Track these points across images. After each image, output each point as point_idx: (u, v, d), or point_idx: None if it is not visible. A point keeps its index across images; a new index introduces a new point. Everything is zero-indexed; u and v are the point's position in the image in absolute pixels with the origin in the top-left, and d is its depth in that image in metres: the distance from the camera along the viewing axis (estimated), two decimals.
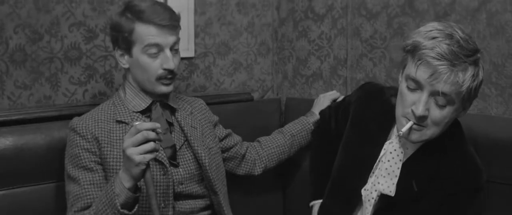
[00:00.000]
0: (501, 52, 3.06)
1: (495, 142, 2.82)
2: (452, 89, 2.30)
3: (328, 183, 2.82)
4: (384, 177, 2.55)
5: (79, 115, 2.90)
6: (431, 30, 2.34)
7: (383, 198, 2.56)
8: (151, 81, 2.81)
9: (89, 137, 2.76)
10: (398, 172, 2.53)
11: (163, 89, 2.84)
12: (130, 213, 2.54)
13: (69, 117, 2.94)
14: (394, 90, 2.57)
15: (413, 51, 2.35)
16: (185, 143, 2.91)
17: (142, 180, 2.54)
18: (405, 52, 2.41)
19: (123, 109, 2.86)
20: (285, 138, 3.25)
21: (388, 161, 2.55)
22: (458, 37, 2.30)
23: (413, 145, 2.52)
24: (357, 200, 2.66)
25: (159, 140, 2.51)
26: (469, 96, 2.38)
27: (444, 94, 2.31)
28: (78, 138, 2.76)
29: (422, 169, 2.50)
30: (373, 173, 2.60)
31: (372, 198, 2.58)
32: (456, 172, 2.47)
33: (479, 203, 2.51)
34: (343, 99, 2.99)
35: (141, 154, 2.46)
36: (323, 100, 3.31)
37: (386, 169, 2.55)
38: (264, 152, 3.22)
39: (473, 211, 2.49)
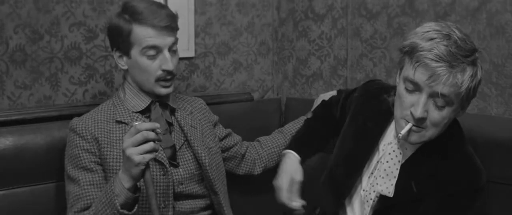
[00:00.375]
0: (501, 52, 3.06)
1: (495, 142, 2.81)
2: (451, 90, 2.29)
3: (325, 170, 2.81)
4: (382, 178, 2.54)
5: (79, 115, 2.90)
6: (428, 31, 2.32)
7: (381, 199, 2.55)
8: (150, 82, 2.81)
9: (88, 137, 2.76)
10: (396, 173, 2.52)
11: (163, 91, 2.83)
12: (130, 213, 2.54)
13: (69, 117, 2.94)
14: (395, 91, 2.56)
15: (411, 52, 2.33)
16: (185, 143, 2.91)
17: (142, 180, 2.54)
18: (402, 54, 2.39)
19: (122, 109, 2.85)
20: (285, 138, 3.24)
21: (387, 162, 2.54)
22: (456, 37, 2.29)
23: (412, 146, 2.51)
24: (346, 195, 2.66)
25: (159, 140, 2.51)
26: (468, 96, 2.36)
27: (443, 95, 2.29)
28: (77, 139, 2.76)
29: (422, 170, 2.49)
30: (371, 173, 2.59)
31: (371, 199, 2.57)
32: (455, 173, 2.46)
33: (480, 204, 2.50)
34: (353, 90, 2.96)
35: (140, 154, 2.46)
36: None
37: (385, 170, 2.54)
38: (264, 151, 3.22)
39: (473, 212, 2.49)
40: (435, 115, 2.35)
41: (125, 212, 2.53)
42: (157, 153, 2.56)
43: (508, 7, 3.02)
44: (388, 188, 2.52)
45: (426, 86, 2.30)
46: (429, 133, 2.39)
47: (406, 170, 2.51)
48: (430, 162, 2.48)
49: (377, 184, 2.55)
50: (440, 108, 2.34)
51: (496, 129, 2.89)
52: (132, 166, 2.48)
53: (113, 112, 2.85)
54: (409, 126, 2.37)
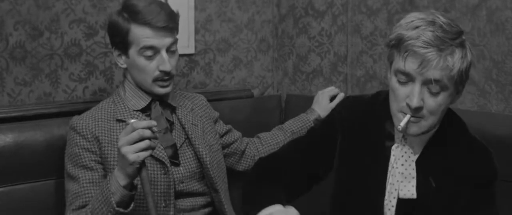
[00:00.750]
0: (501, 49, 3.05)
1: (495, 139, 2.79)
2: (443, 74, 2.27)
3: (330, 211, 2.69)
4: (401, 182, 2.49)
5: (79, 111, 2.90)
6: (412, 21, 2.30)
7: (401, 203, 2.49)
8: (148, 83, 2.79)
9: (89, 136, 2.75)
10: (414, 173, 2.47)
11: (160, 91, 2.82)
12: (126, 211, 2.54)
13: (69, 113, 2.94)
14: (384, 93, 2.54)
15: (398, 44, 2.31)
16: (186, 141, 2.90)
17: (139, 178, 2.53)
18: (390, 48, 2.37)
19: (123, 107, 2.84)
20: (285, 135, 3.23)
21: (402, 164, 2.49)
22: (441, 22, 2.27)
23: (419, 143, 2.48)
24: (378, 212, 2.55)
25: (155, 138, 2.50)
26: (461, 79, 2.34)
27: (436, 81, 2.27)
28: (78, 137, 2.76)
29: (435, 163, 2.45)
30: (388, 180, 2.52)
31: (392, 206, 2.51)
32: (467, 158, 2.43)
33: (495, 190, 2.48)
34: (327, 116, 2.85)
35: (135, 152, 2.45)
36: (322, 98, 3.30)
37: (402, 173, 2.48)
38: (263, 148, 3.21)
39: (494, 200, 2.48)
40: (431, 102, 2.32)
41: (121, 210, 2.52)
42: (153, 151, 2.56)
43: (508, 4, 3.02)
44: (410, 190, 2.47)
45: (418, 75, 2.28)
46: (428, 122, 2.36)
47: (421, 168, 2.47)
48: (441, 153, 2.44)
49: (395, 189, 2.50)
50: (435, 95, 2.31)
51: (496, 126, 2.88)
52: (127, 165, 2.48)
53: (113, 110, 2.84)
54: (407, 117, 2.34)
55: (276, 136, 3.25)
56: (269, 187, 2.53)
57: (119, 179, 2.52)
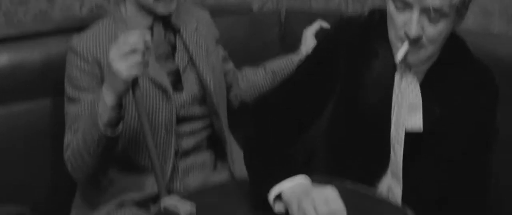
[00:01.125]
0: None
1: (497, 60, 2.77)
2: (443, 2, 2.15)
3: (324, 160, 2.64)
4: (408, 113, 2.40)
5: (77, 29, 2.82)
6: None
7: (410, 136, 2.40)
8: (149, 1, 2.67)
9: (90, 59, 2.66)
10: (420, 103, 2.38)
11: (163, 10, 2.68)
12: (113, 135, 2.48)
13: (66, 30, 2.89)
14: (379, 13, 2.45)
15: None
16: (189, 63, 2.82)
17: (133, 97, 2.46)
18: None
19: (124, 27, 2.71)
20: (266, 74, 3.14)
21: (409, 95, 2.40)
22: None
23: (422, 70, 2.40)
24: (388, 148, 2.46)
25: (148, 48, 2.38)
26: (463, 4, 2.22)
27: (435, 10, 2.16)
28: (77, 60, 2.66)
29: (437, 90, 2.39)
30: (393, 111, 2.43)
31: (401, 139, 2.42)
32: (470, 85, 2.38)
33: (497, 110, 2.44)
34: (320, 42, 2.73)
35: (128, 67, 2.35)
36: (306, 36, 3.14)
37: (410, 104, 2.40)
38: (243, 84, 3.14)
39: (495, 121, 2.44)
40: (431, 30, 2.21)
41: (108, 133, 2.46)
42: (149, 71, 2.51)
43: None
44: (417, 123, 2.39)
45: (416, 2, 2.16)
46: (428, 51, 2.27)
47: (426, 97, 2.39)
48: (443, 79, 2.38)
49: (402, 121, 2.41)
50: (435, 22, 2.20)
51: (499, 47, 2.86)
52: (119, 82, 2.37)
53: (114, 31, 2.72)
54: (405, 46, 2.23)
55: (257, 74, 3.15)
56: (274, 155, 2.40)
57: (106, 99, 2.42)
